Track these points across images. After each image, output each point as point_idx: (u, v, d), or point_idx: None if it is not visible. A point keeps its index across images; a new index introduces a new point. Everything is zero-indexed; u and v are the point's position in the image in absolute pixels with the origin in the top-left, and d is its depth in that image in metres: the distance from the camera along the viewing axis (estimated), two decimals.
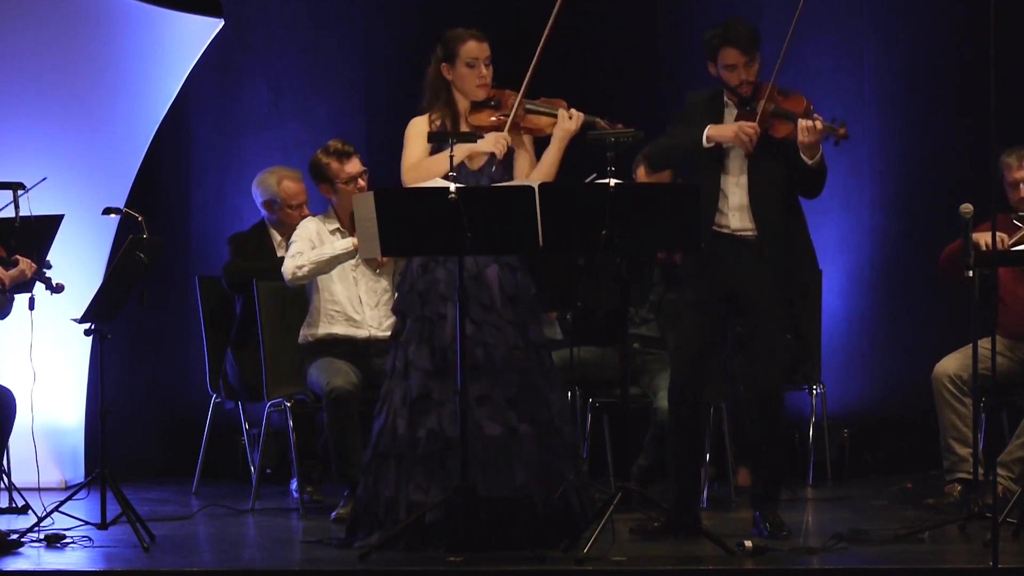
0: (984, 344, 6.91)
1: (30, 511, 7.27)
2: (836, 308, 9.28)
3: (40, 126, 8.48)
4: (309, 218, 7.81)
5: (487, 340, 6.31)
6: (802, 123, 6.43)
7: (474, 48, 6.48)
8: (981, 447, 7.48)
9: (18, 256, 6.76)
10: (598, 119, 6.48)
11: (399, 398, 6.35)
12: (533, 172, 6.49)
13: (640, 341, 7.85)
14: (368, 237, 6.20)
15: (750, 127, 6.46)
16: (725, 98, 6.63)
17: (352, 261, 7.51)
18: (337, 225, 7.65)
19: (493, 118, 6.48)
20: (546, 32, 6.39)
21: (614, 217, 6.07)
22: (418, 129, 6.50)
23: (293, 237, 7.67)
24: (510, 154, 6.45)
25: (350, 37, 9.56)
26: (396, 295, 6.62)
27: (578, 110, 6.47)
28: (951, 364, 7.57)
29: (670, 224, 6.21)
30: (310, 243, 7.58)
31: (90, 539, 6.63)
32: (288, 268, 7.50)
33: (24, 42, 8.49)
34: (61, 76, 8.56)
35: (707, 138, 6.51)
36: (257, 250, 8.36)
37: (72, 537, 6.62)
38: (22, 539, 6.57)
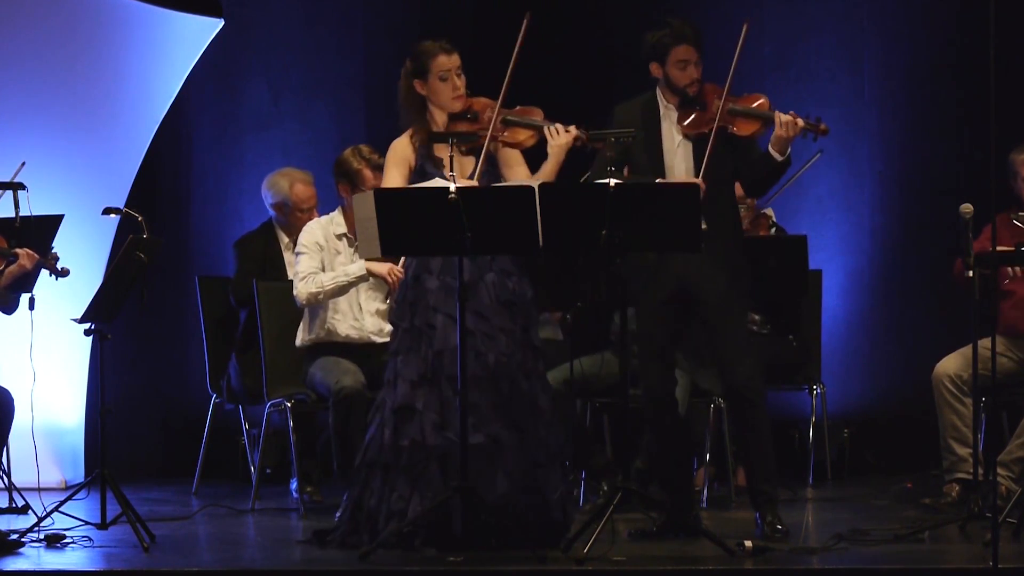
0: (984, 344, 6.91)
1: (30, 511, 7.26)
2: (836, 308, 9.27)
3: (40, 126, 8.47)
4: (314, 221, 7.78)
5: (478, 348, 6.29)
6: (782, 117, 6.38)
7: (444, 61, 6.42)
8: (981, 447, 7.48)
9: (18, 250, 6.78)
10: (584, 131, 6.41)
11: (388, 408, 6.36)
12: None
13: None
14: (368, 237, 6.19)
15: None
16: (660, 103, 6.58)
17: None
18: (344, 230, 7.63)
19: (471, 130, 6.41)
20: (518, 44, 6.32)
21: (614, 217, 6.07)
22: (399, 155, 6.48)
23: (299, 246, 7.62)
24: (496, 169, 6.40)
25: (350, 37, 9.55)
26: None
27: (564, 122, 6.38)
28: (951, 364, 7.57)
29: (670, 224, 6.20)
30: (318, 247, 7.56)
31: (90, 539, 6.63)
32: (303, 294, 7.47)
33: (24, 42, 8.49)
34: (61, 76, 8.55)
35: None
36: (264, 252, 8.35)
37: (72, 537, 6.62)
38: (22, 539, 6.56)
